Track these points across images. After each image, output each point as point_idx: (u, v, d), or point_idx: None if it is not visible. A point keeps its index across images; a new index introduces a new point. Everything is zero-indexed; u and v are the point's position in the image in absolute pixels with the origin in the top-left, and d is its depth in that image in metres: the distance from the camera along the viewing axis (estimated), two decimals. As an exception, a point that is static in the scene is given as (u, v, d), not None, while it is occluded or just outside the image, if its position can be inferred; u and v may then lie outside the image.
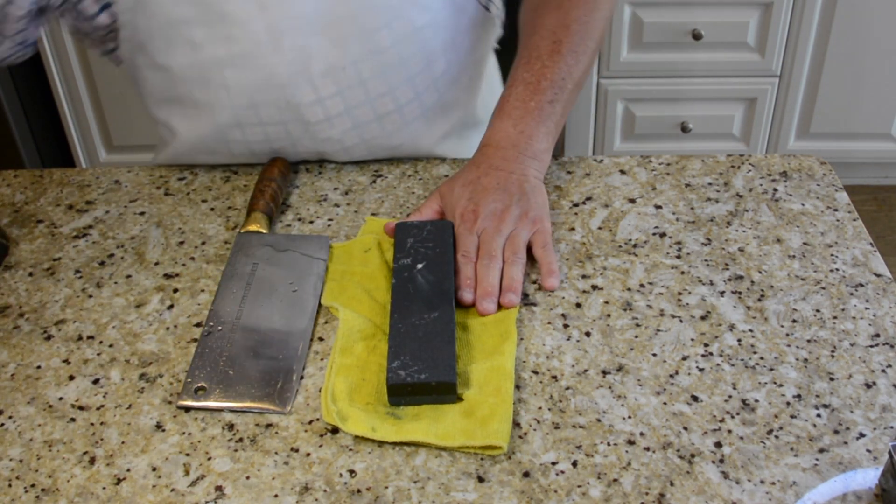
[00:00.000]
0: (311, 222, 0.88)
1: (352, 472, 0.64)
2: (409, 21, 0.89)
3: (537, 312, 0.76)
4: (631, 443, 0.65)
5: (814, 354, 0.72)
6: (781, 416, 0.67)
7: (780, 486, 0.62)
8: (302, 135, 0.93)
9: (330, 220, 0.88)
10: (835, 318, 0.75)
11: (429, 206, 0.85)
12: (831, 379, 0.70)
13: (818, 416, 0.67)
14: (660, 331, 0.74)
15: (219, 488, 0.63)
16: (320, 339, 0.74)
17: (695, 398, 0.68)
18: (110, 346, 0.75)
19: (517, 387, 0.69)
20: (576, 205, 0.88)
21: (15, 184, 0.95)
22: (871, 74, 2.12)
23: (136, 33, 0.89)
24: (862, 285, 0.78)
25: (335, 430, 0.67)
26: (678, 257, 0.82)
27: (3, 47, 0.85)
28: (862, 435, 0.65)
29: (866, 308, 0.76)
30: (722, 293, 0.78)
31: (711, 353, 0.72)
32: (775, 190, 0.90)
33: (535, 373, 0.71)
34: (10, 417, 0.69)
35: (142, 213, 0.90)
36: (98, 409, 0.69)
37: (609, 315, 0.76)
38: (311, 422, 0.67)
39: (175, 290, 0.80)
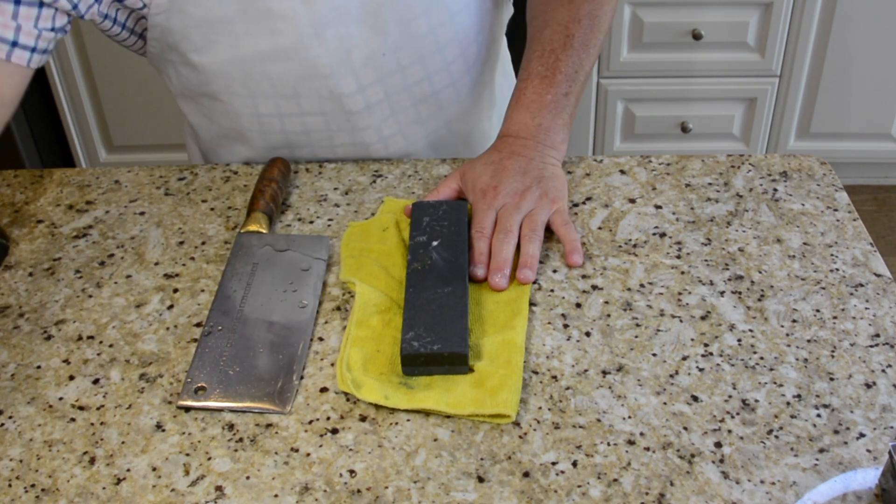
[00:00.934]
0: (311, 222, 0.88)
1: (352, 472, 0.64)
2: (446, 7, 0.92)
3: (537, 312, 0.76)
4: (631, 443, 0.65)
5: (814, 354, 0.72)
6: (781, 416, 0.67)
7: (780, 486, 0.62)
8: (342, 125, 0.95)
9: (330, 220, 0.88)
10: (835, 318, 0.75)
11: (447, 185, 0.87)
12: (831, 379, 0.70)
13: (818, 416, 0.67)
14: (660, 331, 0.74)
15: (219, 488, 0.63)
16: (320, 339, 0.75)
17: (695, 398, 0.68)
18: (110, 346, 0.75)
19: (517, 387, 0.70)
20: (576, 205, 0.88)
21: (15, 184, 0.95)
22: (871, 74, 2.12)
23: (167, 34, 0.89)
24: (862, 285, 0.78)
25: (335, 431, 0.67)
26: (678, 257, 0.82)
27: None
28: (862, 435, 0.65)
29: (866, 308, 0.76)
30: (722, 293, 0.78)
31: (711, 353, 0.72)
32: (775, 190, 0.90)
33: (535, 373, 0.71)
34: (10, 417, 0.69)
35: (142, 213, 0.90)
36: (98, 409, 0.69)
37: (609, 315, 0.76)
38: (311, 422, 0.67)
39: (175, 290, 0.80)
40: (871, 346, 0.72)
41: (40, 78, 2.20)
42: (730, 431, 0.66)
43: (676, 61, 2.09)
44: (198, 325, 0.76)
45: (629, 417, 0.67)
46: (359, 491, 0.62)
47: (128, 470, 0.65)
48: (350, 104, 0.94)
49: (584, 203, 0.88)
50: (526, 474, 0.63)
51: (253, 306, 0.77)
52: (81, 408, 0.70)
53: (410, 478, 0.63)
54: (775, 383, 0.69)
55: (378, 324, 0.74)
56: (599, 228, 0.85)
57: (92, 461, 0.65)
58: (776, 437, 0.65)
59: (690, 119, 2.18)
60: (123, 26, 0.91)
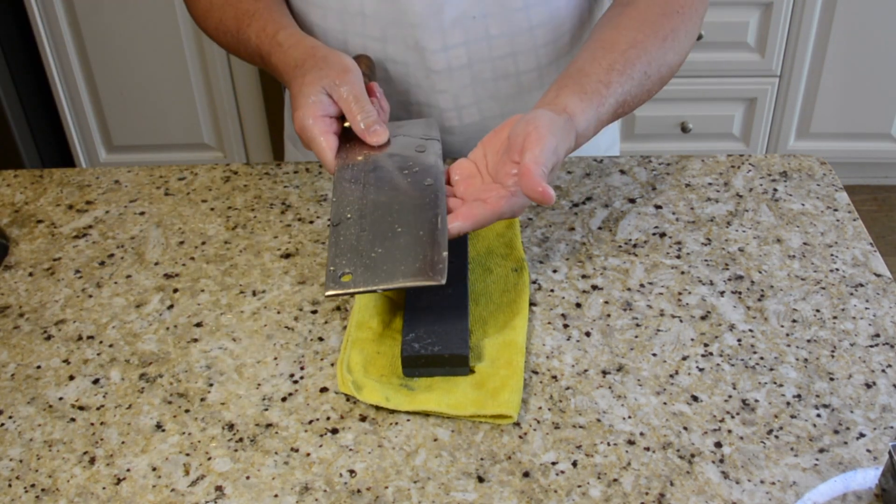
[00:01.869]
0: (311, 222, 0.88)
1: (352, 472, 0.64)
2: None
3: (537, 312, 0.76)
4: (631, 443, 0.65)
5: (814, 354, 0.72)
6: (781, 416, 0.67)
7: (780, 486, 0.62)
8: (421, 80, 0.94)
9: (330, 220, 0.88)
10: (835, 318, 0.75)
11: (468, 159, 0.79)
12: (831, 379, 0.70)
13: (818, 416, 0.67)
14: (660, 331, 0.74)
15: (219, 488, 0.63)
16: (320, 339, 0.75)
17: (695, 398, 0.68)
18: (110, 346, 0.75)
19: (517, 387, 0.70)
20: (576, 205, 0.88)
21: (15, 184, 0.95)
22: (871, 74, 2.12)
23: None
24: (862, 285, 0.78)
25: (335, 430, 0.67)
26: (678, 257, 0.82)
27: None
28: (862, 435, 0.65)
29: (866, 308, 0.76)
30: (722, 293, 0.78)
31: (711, 353, 0.72)
32: (775, 190, 0.90)
33: (535, 373, 0.71)
34: (10, 417, 0.69)
35: (142, 213, 0.90)
36: (98, 409, 0.69)
37: (609, 315, 0.76)
38: (311, 422, 0.67)
39: (175, 290, 0.80)
40: (871, 346, 0.72)
41: (40, 78, 2.20)
42: (730, 431, 0.66)
43: (676, 61, 2.09)
44: (198, 325, 0.76)
45: (629, 417, 0.67)
46: (359, 491, 0.62)
47: (128, 470, 0.65)
48: (432, 61, 0.92)
49: (584, 203, 0.88)
50: (526, 474, 0.63)
51: (378, 191, 0.75)
52: (81, 408, 0.70)
53: (410, 478, 0.63)
54: (775, 383, 0.69)
55: (378, 325, 0.74)
56: (599, 228, 0.85)
57: (92, 461, 0.65)
58: (776, 437, 0.65)
59: (690, 119, 2.18)
60: None
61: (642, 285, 0.79)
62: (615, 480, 0.62)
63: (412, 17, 0.90)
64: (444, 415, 0.67)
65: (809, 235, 0.84)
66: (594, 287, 0.79)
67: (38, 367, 0.73)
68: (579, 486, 0.62)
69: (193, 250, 0.85)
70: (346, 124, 0.80)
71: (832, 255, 0.82)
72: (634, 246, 0.83)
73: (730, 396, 0.68)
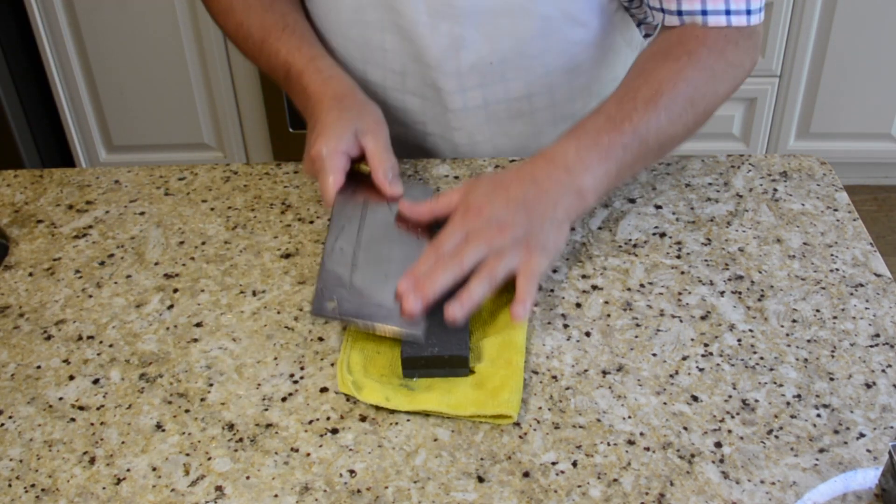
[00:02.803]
0: (311, 222, 0.88)
1: (352, 472, 0.64)
2: (563, 35, 0.90)
3: (537, 312, 0.76)
4: (631, 443, 0.65)
5: (814, 354, 0.72)
6: (781, 416, 0.67)
7: (780, 486, 0.62)
8: (437, 116, 0.96)
9: (330, 220, 0.88)
10: (835, 318, 0.75)
11: (447, 198, 0.79)
12: (831, 379, 0.70)
13: (818, 416, 0.67)
14: (660, 331, 0.74)
15: (219, 488, 0.63)
16: (320, 339, 0.75)
17: (695, 398, 0.68)
18: (110, 346, 0.75)
19: (517, 387, 0.70)
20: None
21: (15, 184, 0.95)
22: (871, 74, 2.12)
23: None
24: (862, 285, 0.78)
25: (335, 431, 0.67)
26: (678, 257, 0.82)
27: None
28: (862, 435, 0.65)
29: (866, 308, 0.76)
30: (722, 293, 0.78)
31: (711, 353, 0.72)
32: (775, 190, 0.90)
33: (535, 373, 0.71)
34: (10, 417, 0.69)
35: (142, 213, 0.90)
36: (98, 409, 0.69)
37: (609, 315, 0.76)
38: (311, 422, 0.67)
39: (175, 290, 0.80)
40: (871, 346, 0.72)
41: (40, 78, 2.20)
42: (730, 431, 0.66)
43: (676, 61, 2.09)
44: (198, 325, 0.76)
45: (629, 417, 0.67)
46: (359, 491, 0.62)
47: (128, 470, 0.65)
48: (448, 100, 0.94)
49: (584, 203, 0.88)
50: (526, 474, 0.63)
51: (371, 236, 0.78)
52: (81, 408, 0.70)
53: (410, 478, 0.63)
54: (775, 383, 0.69)
55: None
56: (599, 228, 0.85)
57: (92, 461, 0.65)
58: (776, 437, 0.65)
59: (690, 119, 2.17)
60: None
61: (642, 285, 0.79)
62: (615, 480, 0.62)
63: (429, 59, 0.91)
64: (444, 415, 0.67)
65: (809, 235, 0.84)
66: (594, 287, 0.79)
67: (38, 367, 0.73)
68: (579, 486, 0.62)
69: (193, 250, 0.85)
70: (358, 167, 0.84)
71: (832, 255, 0.82)
72: (634, 246, 0.83)
73: (730, 396, 0.68)
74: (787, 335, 0.73)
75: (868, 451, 0.64)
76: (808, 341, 0.73)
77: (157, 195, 0.92)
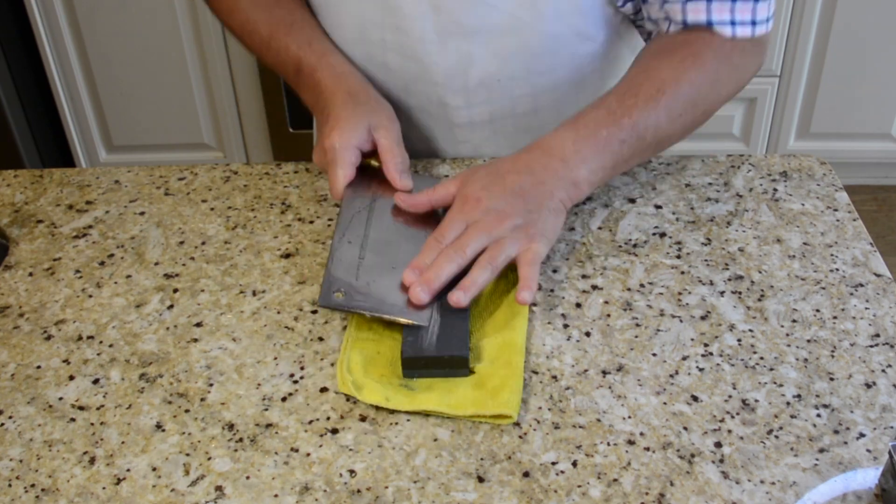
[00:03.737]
0: (311, 222, 0.88)
1: (352, 472, 0.64)
2: (572, 51, 0.91)
3: (537, 312, 0.76)
4: (631, 443, 0.65)
5: (814, 354, 0.72)
6: (781, 416, 0.67)
7: (780, 486, 0.62)
8: (443, 132, 0.97)
9: (330, 220, 0.88)
10: (835, 318, 0.75)
11: (444, 188, 0.80)
12: (831, 379, 0.70)
13: (818, 416, 0.67)
14: (660, 331, 0.74)
15: (219, 488, 0.63)
16: (320, 338, 0.75)
17: (695, 398, 0.68)
18: (110, 346, 0.75)
19: (517, 387, 0.70)
20: (576, 205, 0.88)
21: (15, 184, 0.95)
22: (871, 74, 2.12)
23: None
24: (862, 285, 0.78)
25: (335, 431, 0.67)
26: (678, 257, 0.82)
27: None
28: (862, 435, 0.65)
29: (866, 308, 0.76)
30: (722, 293, 0.78)
31: (711, 353, 0.72)
32: (775, 190, 0.90)
33: (535, 373, 0.71)
34: (10, 417, 0.69)
35: (142, 213, 0.90)
36: (98, 409, 0.69)
37: (609, 315, 0.76)
38: (311, 422, 0.67)
39: (175, 290, 0.80)
40: (871, 346, 0.72)
41: (40, 78, 2.20)
42: (730, 431, 0.66)
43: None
44: (198, 325, 0.76)
45: (629, 417, 0.67)
46: (359, 491, 0.62)
47: (128, 470, 0.65)
48: (455, 116, 0.95)
49: (584, 203, 0.88)
50: (526, 474, 0.63)
51: (379, 228, 0.79)
52: (81, 408, 0.70)
53: (410, 478, 0.63)
54: (775, 383, 0.69)
55: (379, 325, 0.74)
56: (599, 228, 0.85)
57: (92, 461, 0.65)
58: (776, 437, 0.65)
59: (690, 119, 2.17)
60: None
61: (642, 285, 0.79)
62: (615, 480, 0.62)
63: (436, 76, 0.91)
64: (445, 415, 0.67)
65: (809, 235, 0.84)
66: (594, 287, 0.79)
67: (38, 367, 0.73)
68: (579, 486, 0.62)
69: (193, 250, 0.85)
70: (367, 161, 0.84)
71: (832, 255, 0.82)
72: (634, 246, 0.83)
73: (730, 396, 0.68)
74: (787, 335, 0.73)
75: (868, 451, 0.64)
76: (808, 341, 0.73)
77: (157, 195, 0.92)
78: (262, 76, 2.17)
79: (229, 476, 0.64)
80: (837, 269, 0.80)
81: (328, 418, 0.68)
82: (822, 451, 0.64)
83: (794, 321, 0.75)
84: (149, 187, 0.94)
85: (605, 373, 0.71)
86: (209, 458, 0.65)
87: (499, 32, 0.87)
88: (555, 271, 0.80)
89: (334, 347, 0.74)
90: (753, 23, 0.83)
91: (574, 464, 0.64)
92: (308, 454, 0.65)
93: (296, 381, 0.71)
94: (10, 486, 0.64)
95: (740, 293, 0.78)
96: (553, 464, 0.64)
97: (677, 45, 0.85)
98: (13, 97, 2.15)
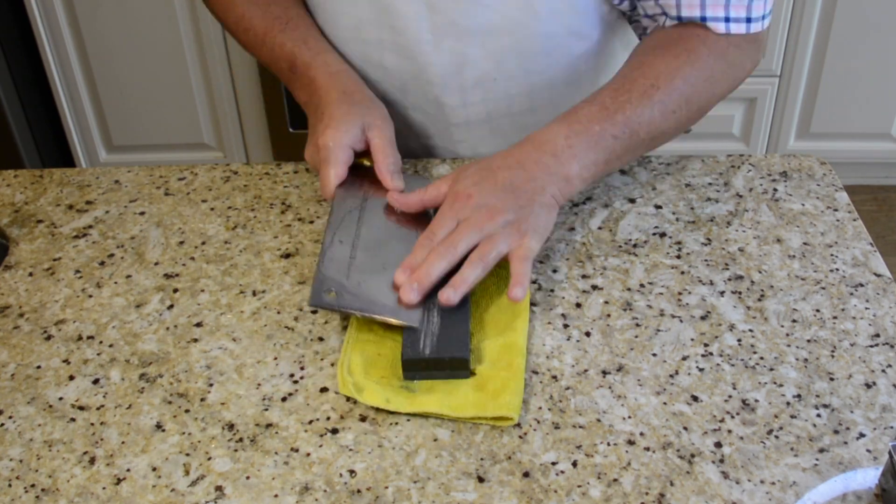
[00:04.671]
0: (311, 222, 0.88)
1: (352, 472, 0.64)
2: (567, 49, 0.91)
3: (537, 312, 0.76)
4: (631, 443, 0.65)
5: (814, 354, 0.72)
6: (781, 416, 0.67)
7: (780, 486, 0.62)
8: (440, 131, 0.97)
9: (329, 212, 0.88)
10: (835, 318, 0.75)
11: (436, 188, 0.79)
12: (831, 379, 0.70)
13: (818, 416, 0.67)
14: (660, 331, 0.74)
15: (219, 488, 0.63)
16: (320, 338, 0.75)
17: (695, 398, 0.68)
18: (110, 346, 0.75)
19: (517, 387, 0.70)
20: (576, 205, 0.88)
21: (15, 184, 0.95)
22: (871, 74, 2.12)
23: None
24: (862, 285, 0.78)
25: (335, 430, 0.67)
26: (678, 257, 0.82)
27: None
28: (862, 435, 0.65)
29: (866, 308, 0.76)
30: (722, 293, 0.78)
31: (711, 353, 0.72)
32: (775, 190, 0.90)
33: (535, 373, 0.71)
34: (10, 417, 0.69)
35: (142, 213, 0.90)
36: (98, 409, 0.69)
37: (609, 315, 0.76)
38: (310, 422, 0.67)
39: (175, 290, 0.80)
40: (871, 346, 0.72)
41: (40, 78, 2.20)
42: (730, 431, 0.66)
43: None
44: (198, 325, 0.76)
45: (629, 417, 0.67)
46: (359, 491, 0.62)
47: (128, 470, 0.65)
48: (451, 115, 0.95)
49: (584, 203, 0.88)
50: (526, 474, 0.63)
51: (370, 228, 0.79)
52: (81, 408, 0.70)
53: (410, 478, 0.63)
54: (775, 383, 0.69)
55: (379, 327, 0.74)
56: (599, 228, 0.85)
57: (92, 461, 0.65)
58: (776, 437, 0.65)
59: (690, 119, 2.17)
60: None
61: (642, 285, 0.79)
62: (615, 480, 0.62)
63: (432, 76, 0.91)
64: (445, 417, 0.67)
65: (809, 235, 0.84)
66: (594, 287, 0.79)
67: (38, 367, 0.73)
68: (579, 486, 0.62)
69: (193, 250, 0.85)
70: (359, 161, 0.84)
71: (832, 255, 0.82)
72: (634, 246, 0.83)
73: (730, 396, 0.68)
74: (787, 335, 0.73)
75: (868, 451, 0.64)
76: (808, 341, 0.73)
77: (157, 195, 0.93)
78: (261, 76, 2.17)
79: (229, 476, 0.64)
80: (837, 269, 0.80)
81: (328, 418, 0.68)
82: (822, 451, 0.64)
83: (794, 321, 0.75)
84: (149, 187, 0.94)
85: (605, 373, 0.71)
86: (209, 458, 0.65)
87: (494, 32, 0.87)
88: (555, 271, 0.80)
89: (334, 347, 0.74)
90: (748, 20, 0.83)
91: (574, 464, 0.64)
92: (308, 454, 0.65)
93: (296, 381, 0.71)
94: (10, 486, 0.64)
95: (740, 293, 0.78)
96: (553, 464, 0.64)
97: (672, 42, 0.84)
98: (13, 97, 2.15)
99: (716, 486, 0.62)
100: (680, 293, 0.78)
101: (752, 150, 2.24)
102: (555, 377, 0.70)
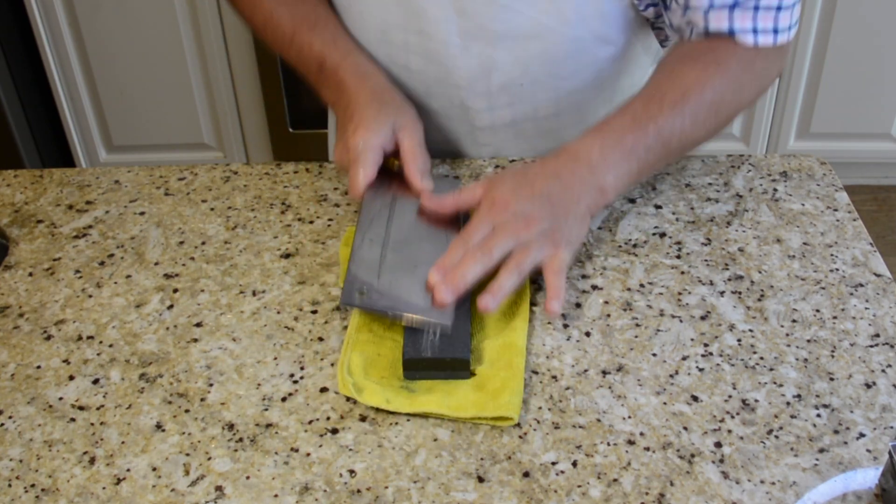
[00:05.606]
0: (311, 222, 0.88)
1: (352, 472, 0.64)
2: (593, 54, 0.91)
3: (537, 312, 0.76)
4: (631, 443, 0.65)
5: (814, 354, 0.72)
6: (781, 416, 0.67)
7: (780, 486, 0.62)
8: (464, 135, 0.97)
9: (330, 220, 0.88)
10: (835, 318, 0.75)
11: (470, 191, 0.79)
12: (831, 379, 0.70)
13: (818, 416, 0.67)
14: (660, 331, 0.74)
15: (219, 488, 0.63)
16: (320, 339, 0.75)
17: (695, 398, 0.68)
18: (110, 346, 0.75)
19: (517, 387, 0.70)
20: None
21: (15, 184, 0.95)
22: (871, 74, 2.12)
23: None
24: (862, 285, 0.78)
25: (335, 431, 0.67)
26: (678, 257, 0.82)
27: None
28: (862, 435, 0.65)
29: (866, 308, 0.76)
30: (722, 293, 0.78)
31: (711, 353, 0.72)
32: (775, 190, 0.90)
33: (535, 373, 0.71)
34: (10, 417, 0.69)
35: (142, 213, 0.90)
36: (98, 409, 0.69)
37: (609, 315, 0.76)
38: (310, 422, 0.67)
39: (175, 290, 0.80)
40: (871, 346, 0.72)
41: (40, 78, 2.20)
42: (730, 431, 0.66)
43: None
44: (198, 325, 0.76)
45: (629, 417, 0.67)
46: (359, 491, 0.62)
47: (128, 470, 0.65)
48: (476, 119, 0.95)
49: (584, 203, 0.88)
50: (526, 474, 0.63)
51: (400, 228, 0.79)
52: (81, 408, 0.70)
53: (410, 478, 0.63)
54: (775, 383, 0.69)
55: (379, 327, 0.74)
56: (599, 228, 0.85)
57: (92, 461, 0.65)
58: (776, 437, 0.65)
59: (690, 119, 2.17)
60: None
61: (642, 285, 0.79)
62: (615, 480, 0.62)
63: (458, 79, 0.91)
64: (445, 417, 0.67)
65: (809, 235, 0.84)
66: (594, 287, 0.79)
67: (38, 367, 0.73)
68: (579, 486, 0.62)
69: (193, 250, 0.85)
70: (388, 162, 0.84)
71: (832, 255, 0.82)
72: (634, 246, 0.83)
73: (730, 396, 0.68)
74: (787, 335, 0.73)
75: (868, 451, 0.64)
76: (808, 341, 0.73)
77: (157, 195, 0.93)
78: (261, 76, 2.17)
79: (229, 476, 0.64)
80: (837, 269, 0.80)
81: (328, 418, 0.68)
82: (822, 451, 0.64)
83: (794, 321, 0.75)
84: (149, 187, 0.94)
85: (605, 373, 0.71)
86: (209, 458, 0.65)
87: (522, 37, 0.87)
88: (555, 271, 0.80)
89: (334, 347, 0.74)
90: (776, 31, 0.83)
91: (574, 464, 0.64)
92: (308, 454, 0.65)
93: (296, 381, 0.71)
94: (10, 486, 0.64)
95: (740, 293, 0.78)
96: (553, 464, 0.64)
97: (701, 52, 0.85)
98: (13, 97, 2.15)
99: (716, 486, 0.62)
100: (680, 293, 0.78)
101: (752, 150, 2.24)
102: (555, 377, 0.70)
